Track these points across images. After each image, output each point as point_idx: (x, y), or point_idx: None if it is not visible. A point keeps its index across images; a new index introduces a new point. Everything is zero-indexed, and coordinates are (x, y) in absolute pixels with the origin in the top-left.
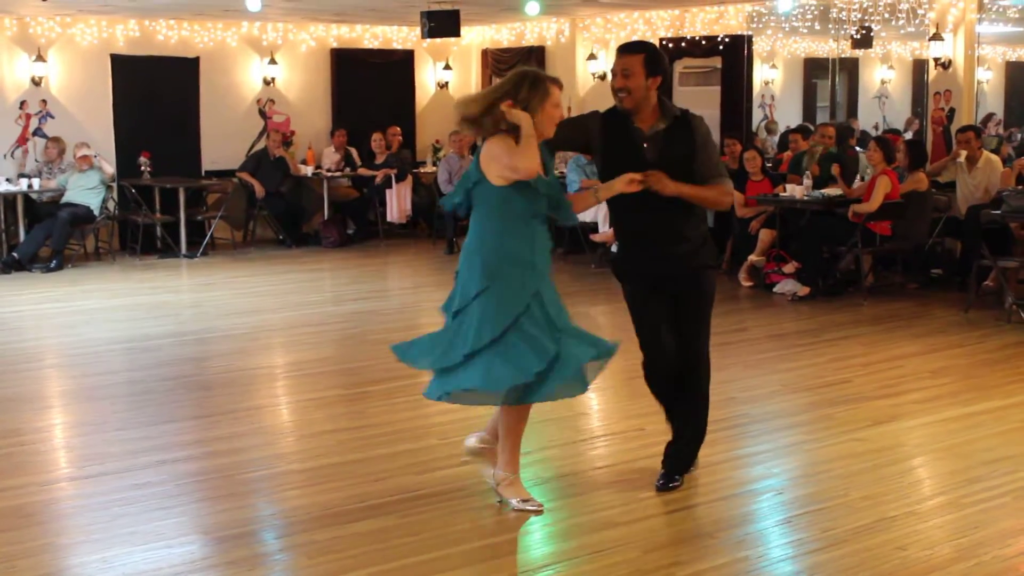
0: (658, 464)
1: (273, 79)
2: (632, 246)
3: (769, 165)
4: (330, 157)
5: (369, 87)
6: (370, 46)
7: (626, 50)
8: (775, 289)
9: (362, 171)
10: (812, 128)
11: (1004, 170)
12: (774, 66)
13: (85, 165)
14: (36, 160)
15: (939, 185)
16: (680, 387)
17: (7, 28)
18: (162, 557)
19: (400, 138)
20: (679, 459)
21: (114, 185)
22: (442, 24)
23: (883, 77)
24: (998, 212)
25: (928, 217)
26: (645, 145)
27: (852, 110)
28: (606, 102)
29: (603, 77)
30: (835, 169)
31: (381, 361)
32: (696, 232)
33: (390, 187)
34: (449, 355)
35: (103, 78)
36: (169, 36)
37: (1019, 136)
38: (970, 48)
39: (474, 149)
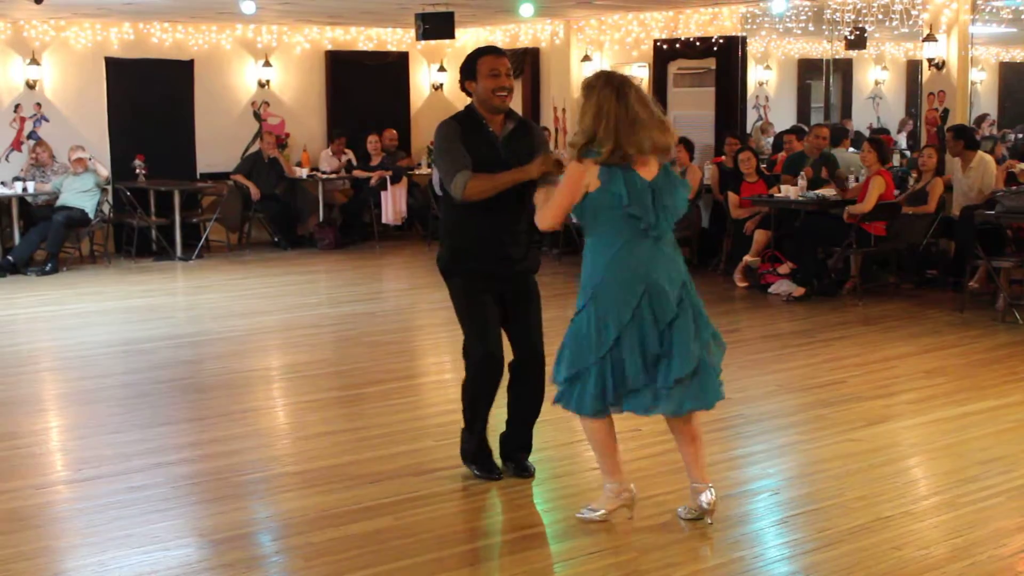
0: (655, 464)
1: (268, 81)
2: (478, 245)
3: (764, 166)
4: (328, 162)
5: (364, 89)
6: (365, 48)
7: (503, 52)
8: (770, 290)
9: (357, 173)
10: (806, 129)
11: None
12: (768, 67)
13: (80, 168)
14: (31, 164)
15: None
16: (514, 375)
17: (1, 32)
18: (158, 560)
19: (395, 140)
20: (526, 437)
21: (109, 188)
22: (437, 26)
23: (877, 78)
24: (992, 212)
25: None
26: (499, 144)
27: (846, 111)
28: None
29: None
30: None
31: (376, 363)
32: (529, 237)
33: (385, 189)
34: None
35: (98, 81)
36: (163, 39)
37: (1012, 137)
38: (963, 49)
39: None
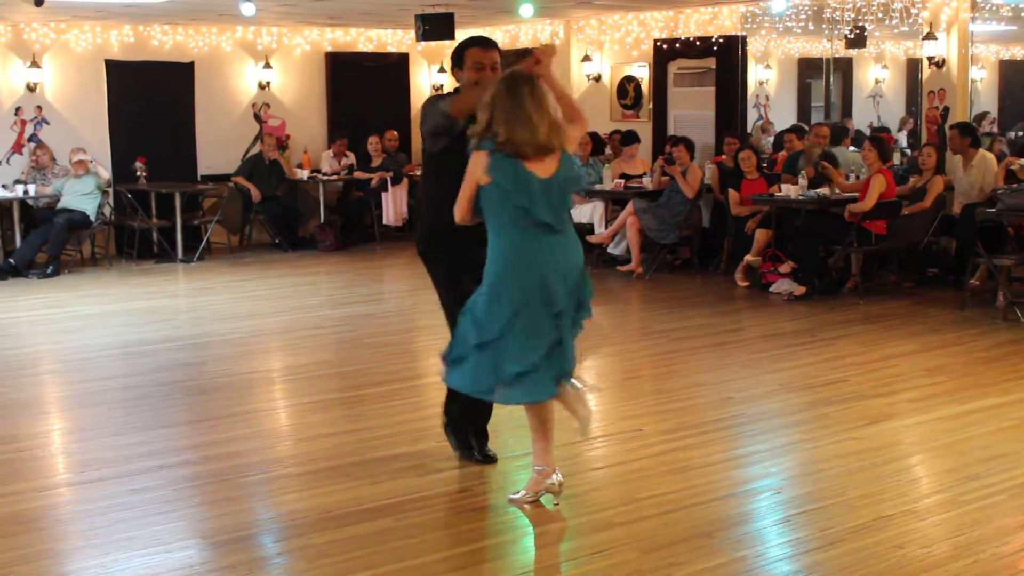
0: (657, 464)
1: (268, 83)
2: (461, 232)
3: (764, 165)
4: (329, 163)
5: (364, 90)
6: (365, 49)
7: (493, 44)
8: (771, 289)
9: (358, 174)
10: (806, 128)
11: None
12: (768, 66)
13: (81, 170)
14: (32, 167)
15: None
16: None
17: (2, 34)
18: (160, 562)
19: (396, 141)
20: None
21: (110, 190)
22: (436, 27)
23: (877, 76)
24: (993, 210)
25: (926, 216)
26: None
27: (847, 110)
28: (600, 103)
29: (597, 79)
30: (825, 166)
31: (377, 364)
32: None
33: (386, 190)
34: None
35: (98, 83)
36: (164, 41)
37: (1012, 135)
38: (964, 47)
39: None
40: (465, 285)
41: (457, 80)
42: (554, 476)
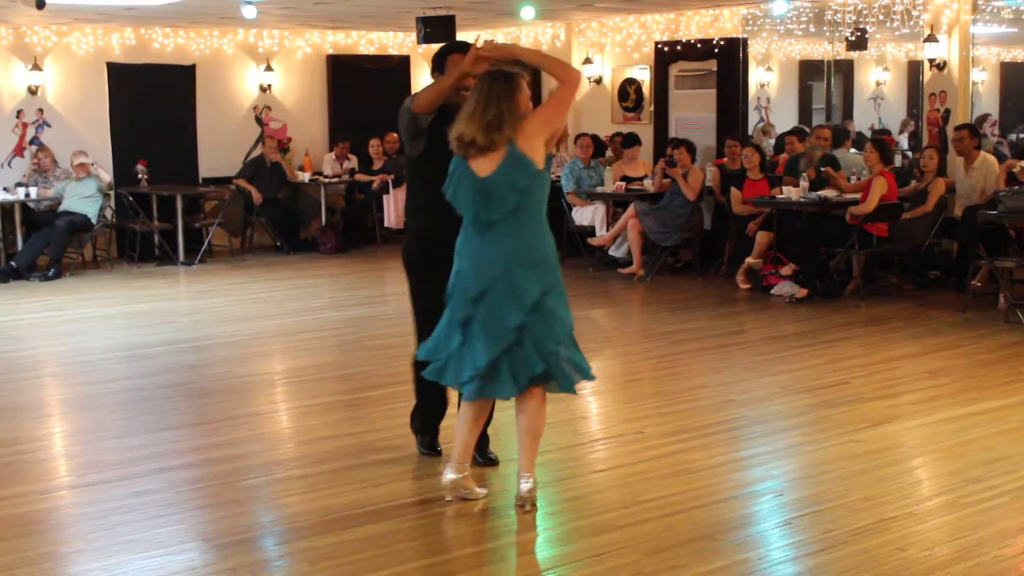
0: (659, 466)
1: (269, 86)
2: (445, 230)
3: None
4: (331, 166)
5: (365, 93)
6: (366, 52)
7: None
8: (773, 291)
9: (359, 177)
10: (808, 130)
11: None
12: (769, 68)
13: (82, 173)
14: (33, 170)
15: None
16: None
17: (3, 37)
18: (162, 564)
19: (398, 144)
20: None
21: (111, 193)
22: (438, 30)
23: (878, 79)
24: (995, 212)
25: (928, 219)
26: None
27: (848, 112)
28: (602, 106)
29: (599, 81)
30: (828, 171)
31: (380, 366)
32: None
33: (387, 193)
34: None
35: (99, 86)
36: (165, 44)
37: (1015, 137)
38: (965, 49)
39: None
40: (433, 295)
41: None
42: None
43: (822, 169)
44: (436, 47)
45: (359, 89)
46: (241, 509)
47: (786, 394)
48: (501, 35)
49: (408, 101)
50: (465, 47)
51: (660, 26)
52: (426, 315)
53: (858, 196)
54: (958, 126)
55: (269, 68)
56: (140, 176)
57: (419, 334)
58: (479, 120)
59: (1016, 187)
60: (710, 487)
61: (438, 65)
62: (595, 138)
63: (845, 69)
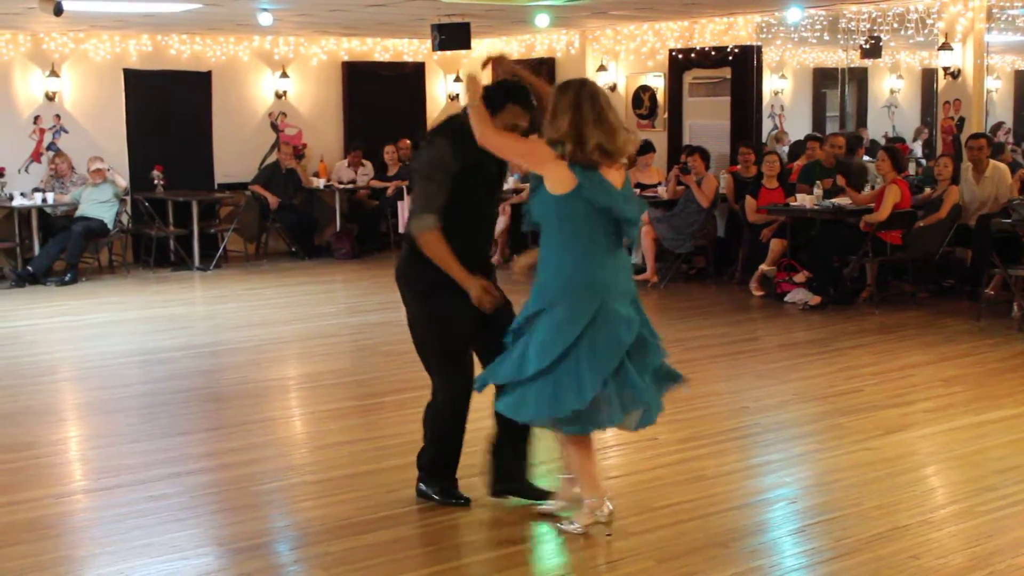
0: (672, 473)
1: (285, 92)
2: (467, 254)
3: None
4: (344, 173)
5: (380, 100)
6: (381, 59)
7: (532, 107)
8: (786, 299)
9: (374, 183)
10: (821, 138)
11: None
12: (783, 76)
13: (99, 179)
14: (50, 175)
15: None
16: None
17: (21, 44)
18: (177, 569)
19: (412, 151)
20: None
21: (127, 199)
22: (453, 37)
23: (892, 87)
24: (1009, 221)
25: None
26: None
27: (861, 120)
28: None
29: (613, 88)
30: (840, 180)
31: (394, 372)
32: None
33: (402, 199)
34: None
35: (116, 93)
36: (181, 51)
37: None
38: (979, 57)
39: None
40: (462, 319)
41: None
42: (605, 506)
43: (836, 177)
44: (451, 54)
45: (374, 96)
46: (255, 514)
47: (799, 401)
48: (516, 43)
49: (423, 223)
50: (526, 103)
51: (674, 34)
52: (457, 342)
53: (871, 205)
54: (975, 134)
55: (285, 75)
56: (156, 182)
57: (449, 367)
58: (623, 127)
59: None
60: (723, 494)
61: (494, 105)
62: None
63: (859, 77)
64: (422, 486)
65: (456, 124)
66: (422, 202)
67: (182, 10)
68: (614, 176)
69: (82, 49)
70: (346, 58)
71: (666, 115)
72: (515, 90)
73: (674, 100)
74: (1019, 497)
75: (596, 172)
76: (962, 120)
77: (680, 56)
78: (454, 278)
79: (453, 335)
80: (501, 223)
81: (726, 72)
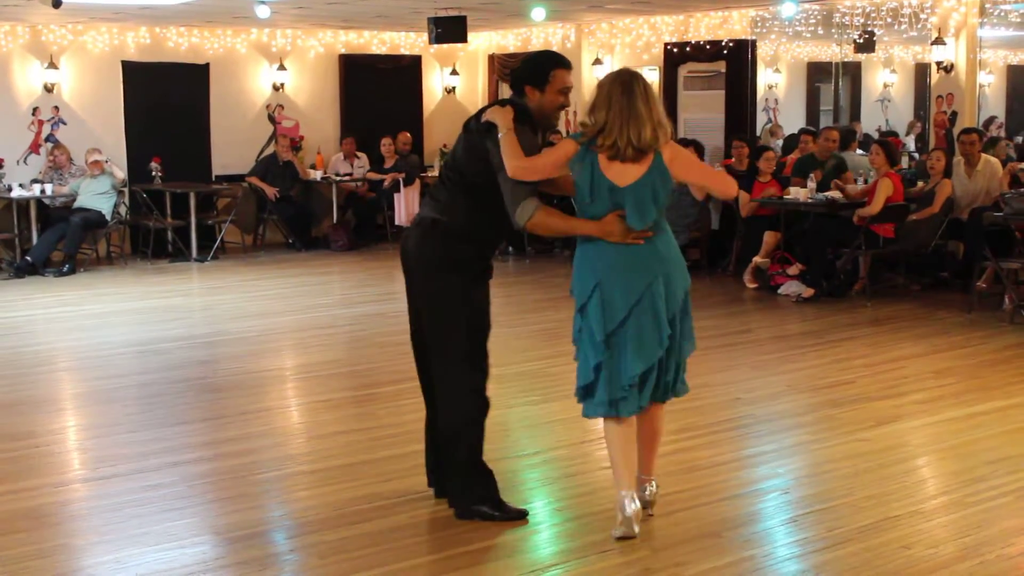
0: (665, 463)
1: (282, 85)
2: (484, 245)
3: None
4: (340, 166)
5: (377, 92)
6: (378, 52)
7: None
8: (780, 291)
9: (371, 175)
10: (815, 132)
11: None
12: (778, 70)
13: (97, 170)
14: (49, 167)
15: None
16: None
17: (20, 36)
18: (175, 557)
19: (409, 144)
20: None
21: (125, 190)
22: (449, 30)
23: (886, 81)
24: (1000, 214)
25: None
26: None
27: (855, 114)
28: None
29: None
30: (836, 184)
31: (390, 363)
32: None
33: (398, 191)
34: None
35: (114, 84)
36: (179, 43)
37: (1021, 139)
38: (972, 52)
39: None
40: (486, 303)
41: (525, 95)
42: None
43: (832, 182)
44: (448, 47)
45: (371, 88)
46: (252, 503)
47: (792, 393)
48: (512, 36)
49: (527, 209)
50: (567, 63)
51: (669, 27)
52: (484, 328)
53: (864, 199)
54: (967, 129)
55: (282, 67)
56: (154, 173)
57: (481, 349)
58: (654, 121)
59: (1022, 189)
60: (716, 484)
61: (537, 79)
62: None
63: (853, 71)
64: (479, 509)
65: (520, 108)
66: (518, 193)
67: (179, 2)
68: (624, 170)
69: (80, 41)
70: (343, 51)
71: None
72: (548, 55)
73: (669, 94)
74: (1009, 488)
75: (596, 156)
76: (955, 114)
77: (675, 50)
78: (588, 232)
79: (485, 314)
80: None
81: (721, 66)
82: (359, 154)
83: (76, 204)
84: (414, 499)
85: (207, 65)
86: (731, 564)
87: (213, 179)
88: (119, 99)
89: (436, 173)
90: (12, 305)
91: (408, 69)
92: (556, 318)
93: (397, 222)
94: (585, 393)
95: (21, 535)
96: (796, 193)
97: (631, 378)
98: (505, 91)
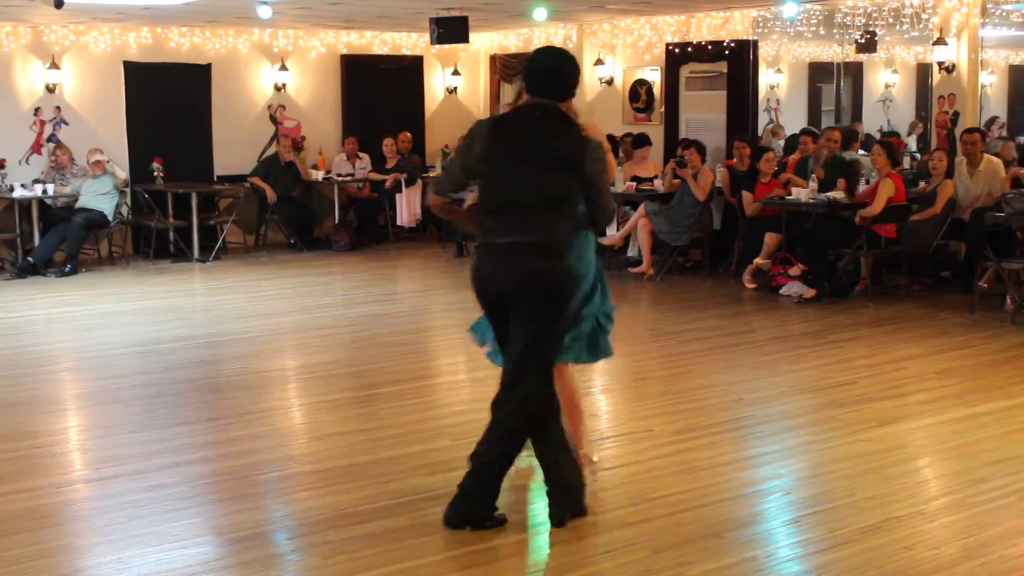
0: (667, 464)
1: (284, 85)
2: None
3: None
4: (342, 166)
5: (379, 93)
6: (380, 52)
7: None
8: (781, 291)
9: (372, 175)
10: (817, 132)
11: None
12: (779, 70)
13: (99, 171)
14: (51, 167)
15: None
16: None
17: (22, 36)
18: (177, 558)
19: (410, 144)
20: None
21: (127, 190)
22: (451, 30)
23: (887, 81)
24: (1002, 214)
25: (936, 220)
26: None
27: (856, 114)
28: (612, 106)
29: (610, 82)
30: (841, 183)
31: (391, 363)
32: None
33: (400, 191)
34: None
35: (116, 85)
36: (181, 43)
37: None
38: (974, 52)
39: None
40: None
41: (570, 108)
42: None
43: (839, 182)
44: (449, 47)
45: (373, 89)
46: (254, 504)
47: (794, 393)
48: (513, 36)
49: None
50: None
51: (671, 28)
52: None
53: (866, 199)
54: (969, 129)
55: (284, 67)
56: (156, 174)
57: (551, 364)
58: None
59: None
60: (718, 485)
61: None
62: (610, 137)
63: (854, 71)
64: (580, 506)
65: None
66: (608, 196)
67: (181, 3)
68: None
69: (82, 41)
70: (345, 51)
71: (662, 109)
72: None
73: (670, 94)
74: (1011, 488)
75: None
76: (956, 115)
77: (677, 50)
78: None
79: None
80: (471, 198)
81: (722, 66)
82: (361, 154)
83: (78, 204)
84: (417, 499)
85: (209, 65)
86: (733, 565)
87: (215, 179)
88: (121, 99)
89: (437, 173)
90: (14, 305)
91: (410, 69)
92: None
93: (398, 222)
94: None
95: (23, 535)
96: (797, 193)
97: None
98: (506, 91)
